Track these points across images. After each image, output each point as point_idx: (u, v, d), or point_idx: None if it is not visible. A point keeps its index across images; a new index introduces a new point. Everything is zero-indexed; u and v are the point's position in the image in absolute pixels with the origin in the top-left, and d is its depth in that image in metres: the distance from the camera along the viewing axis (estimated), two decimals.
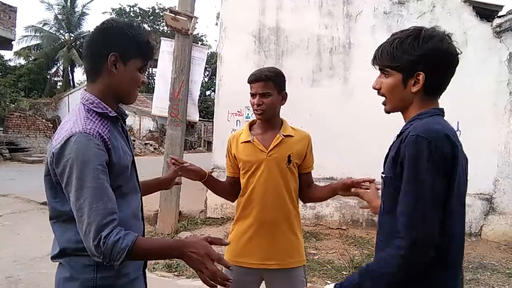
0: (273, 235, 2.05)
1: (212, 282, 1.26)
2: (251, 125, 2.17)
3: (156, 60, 5.91)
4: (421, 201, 1.19)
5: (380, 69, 1.39)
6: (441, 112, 1.35)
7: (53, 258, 1.42)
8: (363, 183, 1.93)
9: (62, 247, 1.39)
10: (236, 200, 2.21)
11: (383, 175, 1.37)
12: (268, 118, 2.07)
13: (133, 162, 1.54)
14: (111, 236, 1.24)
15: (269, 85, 2.03)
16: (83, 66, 27.53)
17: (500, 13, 6.13)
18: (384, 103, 1.42)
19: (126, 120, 1.62)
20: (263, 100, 2.02)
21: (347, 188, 1.98)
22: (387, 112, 1.43)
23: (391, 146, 1.38)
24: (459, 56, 1.33)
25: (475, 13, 5.96)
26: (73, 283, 1.36)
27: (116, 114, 1.46)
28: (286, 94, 2.11)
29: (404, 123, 1.39)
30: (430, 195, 1.19)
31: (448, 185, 1.22)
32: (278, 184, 2.04)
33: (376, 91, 1.42)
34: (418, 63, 1.29)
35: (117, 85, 1.44)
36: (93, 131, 1.33)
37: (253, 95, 2.05)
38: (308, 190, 2.20)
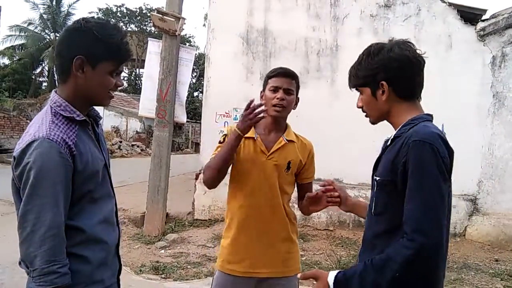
0: (269, 242, 1.96)
1: None
2: None
3: (144, 61, 5.87)
4: (430, 206, 1.21)
5: (356, 90, 1.50)
6: (431, 118, 1.40)
7: (20, 263, 1.37)
8: (326, 190, 1.81)
9: None
10: (227, 203, 2.08)
11: (377, 178, 1.38)
12: (282, 117, 2.00)
13: (106, 167, 1.49)
14: (55, 265, 1.23)
15: (293, 83, 2.01)
16: None
17: (483, 17, 6.25)
18: (367, 116, 1.51)
19: (99, 123, 1.57)
20: (286, 97, 1.95)
21: (315, 202, 1.86)
22: (373, 123, 1.51)
23: (385, 149, 1.42)
24: (419, 57, 1.39)
25: (460, 17, 6.06)
26: None
27: (84, 118, 1.40)
28: (298, 99, 2.07)
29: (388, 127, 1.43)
30: (439, 200, 1.22)
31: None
32: (273, 189, 1.95)
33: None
34: (376, 74, 1.39)
35: (85, 89, 1.38)
36: (57, 137, 1.28)
37: (275, 89, 1.96)
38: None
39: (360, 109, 1.51)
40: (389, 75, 1.38)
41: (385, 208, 1.33)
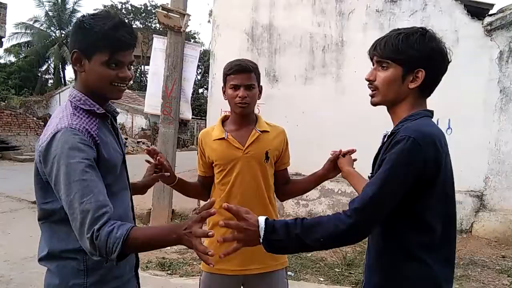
0: None
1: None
2: (223, 121, 2.03)
3: (149, 58, 5.87)
4: (381, 197, 1.22)
5: (378, 61, 1.36)
6: (431, 114, 1.36)
7: (40, 260, 1.38)
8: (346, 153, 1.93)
9: (50, 249, 1.35)
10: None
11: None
12: (248, 113, 1.96)
13: (124, 161, 1.49)
14: (104, 228, 1.18)
15: (253, 76, 1.92)
16: None
17: (491, 12, 6.18)
18: (372, 95, 1.39)
19: (117, 118, 1.56)
20: (248, 93, 1.89)
21: (335, 166, 1.94)
22: (375, 104, 1.40)
23: (381, 147, 1.38)
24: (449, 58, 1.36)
25: (467, 12, 6.00)
26: None
27: (104, 111, 1.39)
28: (261, 87, 2.00)
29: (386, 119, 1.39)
30: (390, 195, 1.22)
31: (431, 186, 1.24)
32: (258, 182, 1.92)
33: (368, 82, 1.39)
34: (421, 60, 1.29)
35: (88, 82, 1.37)
36: (79, 126, 1.28)
37: (235, 87, 1.89)
38: (285, 187, 2.10)
39: (367, 82, 1.39)
40: (430, 66, 1.30)
41: None
